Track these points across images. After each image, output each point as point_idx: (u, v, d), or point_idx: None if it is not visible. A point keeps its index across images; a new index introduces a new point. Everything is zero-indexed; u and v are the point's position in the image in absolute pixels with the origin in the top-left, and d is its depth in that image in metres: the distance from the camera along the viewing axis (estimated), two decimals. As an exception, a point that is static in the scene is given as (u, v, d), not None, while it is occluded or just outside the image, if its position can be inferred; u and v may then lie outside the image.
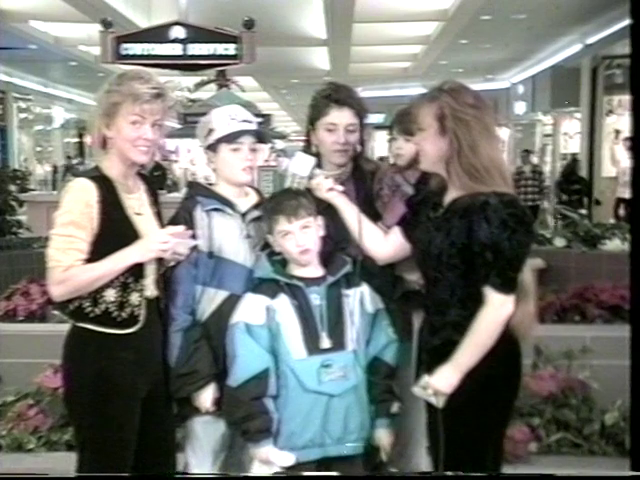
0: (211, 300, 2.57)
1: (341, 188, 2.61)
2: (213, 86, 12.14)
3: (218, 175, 2.68)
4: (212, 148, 2.64)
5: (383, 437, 2.54)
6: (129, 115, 2.37)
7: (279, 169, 2.68)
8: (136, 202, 2.48)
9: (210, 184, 2.74)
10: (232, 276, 2.57)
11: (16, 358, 4.06)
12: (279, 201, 2.56)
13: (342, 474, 2.45)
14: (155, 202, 2.58)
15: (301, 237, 2.51)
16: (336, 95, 2.71)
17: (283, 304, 2.48)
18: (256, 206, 2.68)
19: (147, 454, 2.49)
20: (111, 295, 2.37)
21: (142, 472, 2.49)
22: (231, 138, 2.61)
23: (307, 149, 2.78)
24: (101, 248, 2.33)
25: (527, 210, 2.31)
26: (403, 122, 2.98)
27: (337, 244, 2.65)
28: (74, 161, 20.63)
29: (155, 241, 2.37)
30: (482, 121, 2.29)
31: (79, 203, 2.33)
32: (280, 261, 2.57)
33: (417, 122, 2.37)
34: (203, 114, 2.77)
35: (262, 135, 2.76)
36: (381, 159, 3.18)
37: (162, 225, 2.53)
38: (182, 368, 2.51)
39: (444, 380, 2.23)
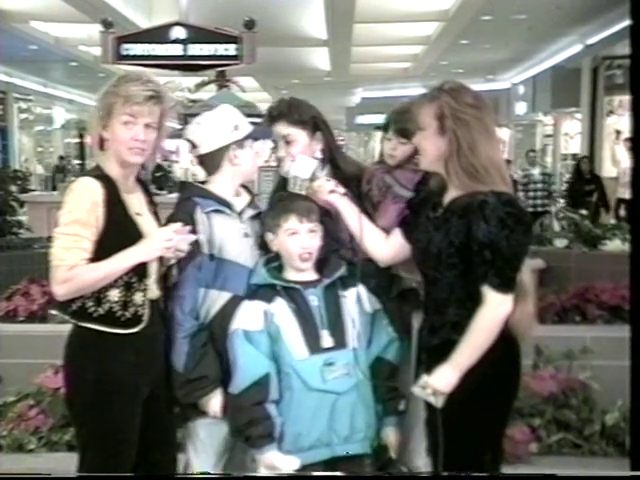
0: (214, 302, 2.56)
1: (343, 190, 2.62)
2: (213, 86, 12.14)
3: (234, 172, 2.63)
4: (239, 144, 2.62)
5: (391, 435, 2.55)
6: (120, 115, 2.38)
7: (281, 171, 2.70)
8: (137, 202, 2.49)
9: (201, 182, 2.71)
10: (234, 277, 2.57)
11: (17, 358, 4.06)
12: (292, 200, 2.58)
13: (350, 474, 2.45)
14: (151, 202, 2.58)
15: (306, 240, 2.53)
16: (268, 115, 2.78)
17: (281, 307, 2.49)
18: (249, 204, 2.68)
19: (148, 454, 2.50)
20: (115, 295, 2.37)
21: (143, 472, 2.49)
22: (257, 134, 2.65)
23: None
24: (105, 247, 2.33)
25: (525, 209, 2.32)
26: (398, 122, 2.97)
27: (329, 247, 2.66)
28: (65, 162, 20.38)
29: (159, 239, 2.38)
30: (482, 121, 2.30)
31: (85, 202, 2.33)
32: (276, 267, 2.58)
33: (417, 122, 2.38)
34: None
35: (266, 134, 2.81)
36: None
37: (160, 225, 2.53)
38: (191, 374, 2.50)
39: (443, 380, 2.24)
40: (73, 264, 2.29)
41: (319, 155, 2.77)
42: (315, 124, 2.78)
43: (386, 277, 2.76)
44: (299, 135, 2.74)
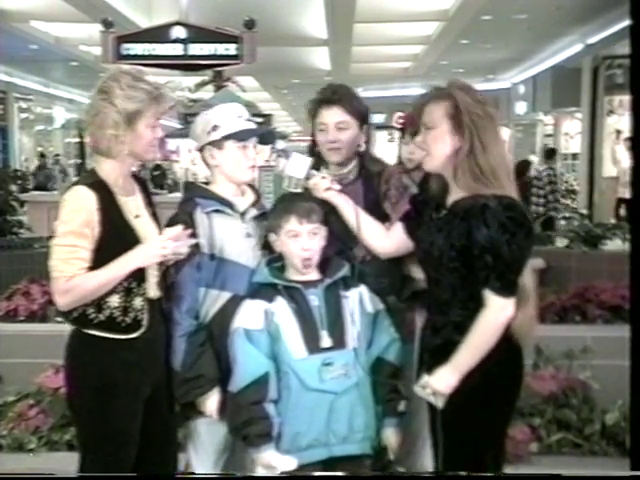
0: (214, 301, 2.56)
1: (338, 187, 2.63)
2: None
3: (219, 173, 2.65)
4: (216, 145, 2.61)
5: (391, 436, 2.53)
6: (150, 118, 2.40)
7: (276, 170, 2.70)
8: (134, 204, 2.49)
9: (206, 183, 2.72)
10: (235, 277, 2.56)
11: (17, 358, 4.07)
12: (293, 201, 2.57)
13: (348, 474, 2.44)
14: (150, 203, 2.58)
15: (307, 241, 2.52)
16: (324, 95, 2.76)
17: (281, 306, 2.49)
18: (254, 204, 2.68)
19: (149, 454, 2.50)
20: (115, 300, 2.37)
21: (144, 472, 2.49)
22: (241, 136, 2.60)
23: (312, 151, 2.82)
24: (103, 254, 2.33)
25: (527, 213, 2.30)
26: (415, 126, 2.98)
27: (345, 244, 2.66)
28: (46, 160, 19.50)
29: (156, 247, 2.37)
30: (493, 119, 2.29)
31: (79, 212, 2.32)
32: (278, 267, 2.58)
33: (425, 121, 2.34)
34: (203, 113, 2.76)
35: (269, 135, 2.79)
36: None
37: (160, 226, 2.53)
38: (188, 372, 2.50)
39: (443, 381, 2.23)
40: (72, 275, 2.29)
41: (362, 148, 2.78)
42: (365, 117, 2.79)
43: (398, 278, 2.76)
44: (352, 124, 2.74)
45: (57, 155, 21.87)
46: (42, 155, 20.02)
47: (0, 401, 3.98)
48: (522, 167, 11.05)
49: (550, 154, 11.68)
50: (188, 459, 2.70)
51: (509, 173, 2.31)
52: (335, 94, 2.75)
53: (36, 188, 12.91)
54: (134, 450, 2.45)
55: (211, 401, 2.53)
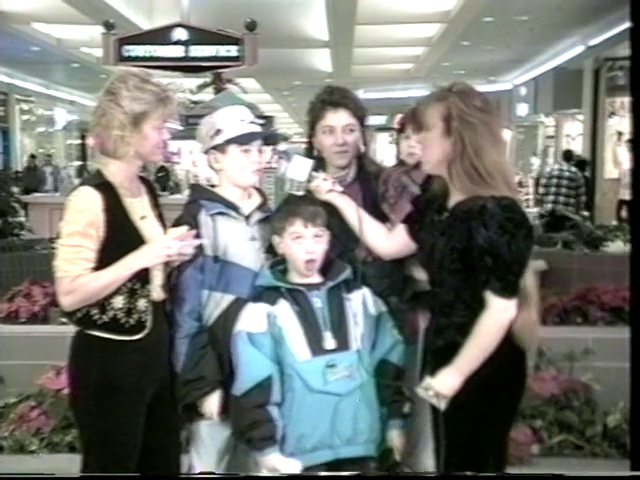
0: (217, 304, 2.56)
1: (340, 189, 2.63)
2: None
3: (224, 176, 2.65)
4: (220, 149, 2.61)
5: (396, 438, 2.54)
6: (158, 121, 2.40)
7: (278, 173, 2.69)
8: (140, 206, 2.48)
9: (212, 186, 2.73)
10: (238, 279, 2.56)
11: (18, 360, 4.07)
12: (298, 204, 2.57)
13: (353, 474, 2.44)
14: (156, 205, 2.58)
15: (311, 245, 2.52)
16: (330, 97, 2.75)
17: (284, 309, 2.49)
18: (259, 207, 2.68)
19: (151, 456, 2.50)
20: (119, 302, 2.37)
21: (146, 473, 2.49)
22: (244, 140, 2.60)
23: (309, 153, 2.81)
24: (107, 255, 2.33)
25: (526, 214, 2.29)
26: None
27: (346, 246, 2.66)
28: (36, 161, 19.00)
29: (161, 247, 2.38)
30: (489, 125, 2.27)
31: (85, 213, 2.32)
32: (281, 270, 2.58)
33: (422, 122, 2.35)
34: (205, 116, 2.77)
35: (272, 138, 2.78)
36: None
37: (165, 227, 2.53)
38: (188, 374, 2.50)
39: (445, 383, 2.23)
40: (76, 275, 2.30)
41: (362, 149, 2.78)
42: (364, 119, 2.80)
43: (400, 279, 2.75)
44: (357, 127, 2.75)
45: (49, 156, 21.31)
46: (32, 156, 19.55)
47: (1, 403, 3.98)
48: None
49: (569, 156, 11.60)
50: (190, 461, 2.69)
51: (506, 176, 2.29)
52: (343, 97, 2.75)
53: (25, 192, 11.80)
54: (137, 451, 2.44)
55: (211, 403, 2.53)
